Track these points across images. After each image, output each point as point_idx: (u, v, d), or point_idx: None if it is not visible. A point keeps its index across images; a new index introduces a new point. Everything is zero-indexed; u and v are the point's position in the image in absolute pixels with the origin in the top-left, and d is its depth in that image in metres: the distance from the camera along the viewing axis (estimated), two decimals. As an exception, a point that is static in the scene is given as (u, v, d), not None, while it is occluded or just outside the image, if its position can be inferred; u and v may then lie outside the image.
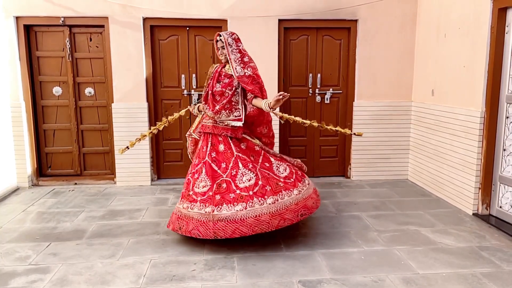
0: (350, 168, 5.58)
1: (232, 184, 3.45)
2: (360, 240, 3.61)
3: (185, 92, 5.38)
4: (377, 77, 5.37)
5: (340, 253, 3.37)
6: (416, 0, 5.25)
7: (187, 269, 3.10)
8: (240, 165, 3.51)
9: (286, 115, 3.69)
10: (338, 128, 3.56)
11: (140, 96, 5.19)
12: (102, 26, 5.14)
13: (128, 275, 3.02)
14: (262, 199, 3.34)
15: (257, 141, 3.77)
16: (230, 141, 3.63)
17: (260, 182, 3.41)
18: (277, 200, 3.36)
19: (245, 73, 3.59)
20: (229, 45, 3.63)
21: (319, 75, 5.48)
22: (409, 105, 5.42)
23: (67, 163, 5.44)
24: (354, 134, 3.68)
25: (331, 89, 5.51)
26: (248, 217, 3.28)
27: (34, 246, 3.49)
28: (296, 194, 3.46)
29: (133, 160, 5.24)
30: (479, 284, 2.88)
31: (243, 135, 3.69)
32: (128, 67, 5.12)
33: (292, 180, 3.55)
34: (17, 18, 4.99)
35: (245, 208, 3.31)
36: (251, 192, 3.37)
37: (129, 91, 5.17)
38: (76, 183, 5.36)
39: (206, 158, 3.62)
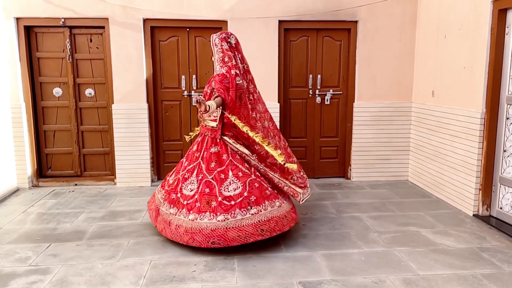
0: (350, 169, 5.58)
1: (179, 185, 3.55)
2: (360, 241, 3.61)
3: (185, 93, 5.38)
4: (377, 78, 5.37)
5: (340, 254, 3.36)
6: (416, 1, 5.25)
7: (187, 270, 3.10)
8: (195, 172, 3.53)
9: (237, 122, 3.51)
10: (274, 152, 3.36)
11: (140, 97, 5.19)
12: (103, 27, 5.14)
13: (128, 276, 3.02)
14: (187, 213, 3.37)
15: (240, 148, 3.52)
16: (205, 144, 3.61)
17: (196, 196, 3.40)
18: (196, 219, 3.31)
19: (220, 71, 3.58)
20: (215, 45, 3.66)
21: (319, 76, 5.48)
22: (409, 106, 5.42)
23: (67, 164, 5.44)
24: (284, 164, 3.42)
25: (331, 90, 5.51)
26: (173, 223, 3.42)
27: (34, 247, 3.49)
28: (219, 221, 3.24)
29: (133, 161, 5.25)
30: (480, 285, 2.88)
31: (225, 138, 3.54)
32: (128, 68, 5.13)
33: (231, 203, 3.30)
34: (17, 19, 4.99)
35: (175, 214, 3.44)
36: (185, 202, 3.43)
37: (129, 92, 5.17)
38: (76, 184, 5.36)
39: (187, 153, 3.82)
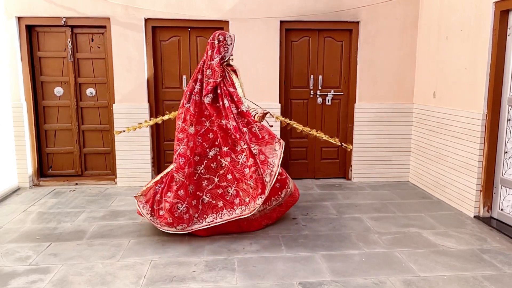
0: (351, 170, 5.58)
1: None
2: (361, 242, 3.61)
3: (186, 93, 5.37)
4: (379, 79, 5.37)
5: (341, 255, 3.36)
6: (418, 2, 5.25)
7: (188, 270, 3.09)
8: None
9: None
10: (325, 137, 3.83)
11: (141, 97, 5.20)
12: (104, 27, 5.14)
13: (129, 276, 3.02)
14: None
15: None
16: None
17: None
18: None
19: None
20: None
21: (320, 77, 5.47)
22: (411, 107, 5.42)
23: (68, 163, 5.44)
24: (342, 145, 3.96)
25: (332, 91, 5.51)
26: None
27: (34, 247, 3.49)
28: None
29: (134, 161, 5.25)
30: (480, 287, 2.87)
31: None
32: (130, 68, 5.13)
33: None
34: (19, 18, 5.00)
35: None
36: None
37: (130, 91, 5.17)
38: (77, 184, 5.36)
39: None
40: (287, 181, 3.90)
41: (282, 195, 3.85)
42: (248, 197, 3.57)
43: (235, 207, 3.62)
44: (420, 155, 5.22)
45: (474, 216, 4.18)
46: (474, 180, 4.17)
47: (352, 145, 5.47)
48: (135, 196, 3.75)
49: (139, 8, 5.04)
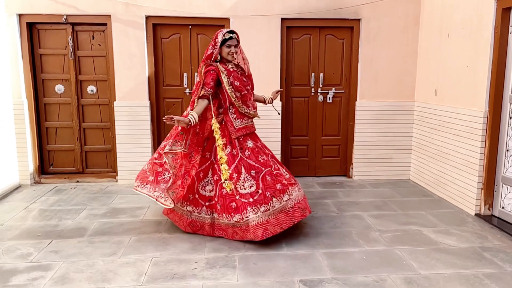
0: (352, 168, 5.57)
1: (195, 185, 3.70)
2: (361, 240, 3.61)
3: (187, 90, 5.37)
4: (380, 77, 5.36)
5: (342, 252, 3.36)
6: (419, 0, 5.25)
7: (188, 268, 3.10)
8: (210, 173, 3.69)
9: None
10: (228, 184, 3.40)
11: (142, 95, 5.20)
12: (105, 24, 5.14)
13: (129, 273, 3.02)
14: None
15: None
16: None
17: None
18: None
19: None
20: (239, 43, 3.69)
21: (321, 75, 5.47)
22: (412, 105, 5.41)
23: (69, 161, 5.44)
24: (225, 182, 3.41)
25: (333, 89, 5.50)
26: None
27: (35, 244, 3.50)
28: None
29: (134, 159, 5.25)
30: (481, 285, 2.87)
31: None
32: (131, 66, 5.13)
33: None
34: (20, 15, 5.00)
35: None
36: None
37: (131, 89, 5.17)
38: (78, 181, 5.36)
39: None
40: (247, 208, 3.39)
41: (234, 219, 3.44)
42: (173, 192, 3.61)
43: (157, 189, 3.66)
44: (421, 153, 5.22)
45: (475, 214, 4.18)
46: (475, 178, 4.16)
47: (353, 143, 5.48)
48: None
49: (140, 5, 5.04)
